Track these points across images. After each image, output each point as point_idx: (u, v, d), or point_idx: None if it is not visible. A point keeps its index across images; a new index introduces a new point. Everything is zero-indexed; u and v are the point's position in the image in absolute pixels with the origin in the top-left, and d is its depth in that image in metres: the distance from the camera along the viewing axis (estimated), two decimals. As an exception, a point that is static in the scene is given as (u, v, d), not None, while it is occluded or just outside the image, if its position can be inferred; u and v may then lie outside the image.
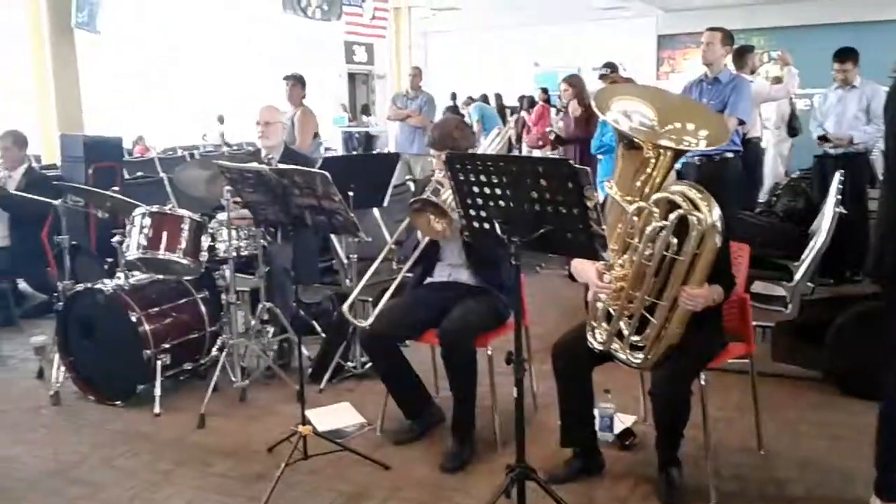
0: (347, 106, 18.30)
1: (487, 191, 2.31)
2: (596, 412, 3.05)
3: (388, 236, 5.32)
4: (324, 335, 4.36)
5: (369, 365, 4.07)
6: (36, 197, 4.51)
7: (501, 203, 2.30)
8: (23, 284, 5.84)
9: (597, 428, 3.05)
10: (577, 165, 2.10)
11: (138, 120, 13.29)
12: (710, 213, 2.43)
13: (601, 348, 2.71)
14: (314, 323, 4.52)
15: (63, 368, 4.01)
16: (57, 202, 4.23)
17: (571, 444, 2.96)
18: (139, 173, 8.04)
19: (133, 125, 12.34)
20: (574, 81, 6.83)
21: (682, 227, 2.45)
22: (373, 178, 4.05)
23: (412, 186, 5.93)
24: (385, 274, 3.71)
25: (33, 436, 3.57)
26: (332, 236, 5.06)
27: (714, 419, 3.07)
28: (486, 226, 2.38)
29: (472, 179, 2.32)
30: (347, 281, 5.10)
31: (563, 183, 2.13)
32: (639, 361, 2.64)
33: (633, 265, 2.52)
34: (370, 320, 3.20)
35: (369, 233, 3.60)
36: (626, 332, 2.64)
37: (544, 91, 12.62)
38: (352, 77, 19.51)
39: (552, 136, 7.07)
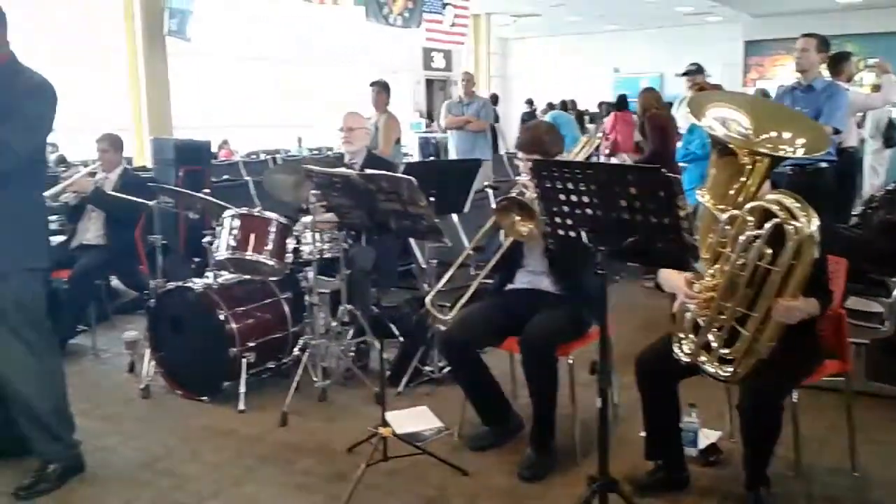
0: (424, 111, 18.45)
1: (574, 198, 2.29)
2: (680, 427, 2.98)
3: (467, 242, 5.36)
4: (402, 339, 4.40)
5: (447, 370, 4.08)
6: (131, 198, 4.71)
7: (588, 211, 2.27)
8: (115, 281, 6.09)
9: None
10: (669, 174, 2.06)
11: (223, 124, 13.72)
12: (809, 223, 2.34)
13: (688, 360, 2.65)
14: (392, 326, 4.56)
15: (153, 363, 4.17)
16: (151, 203, 4.40)
17: (656, 457, 2.91)
18: (225, 176, 8.30)
19: (218, 129, 12.73)
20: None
21: (777, 237, 2.37)
22: (454, 184, 4.07)
23: (491, 193, 5.95)
24: (462, 280, 3.72)
25: (125, 427, 3.72)
26: (412, 241, 5.13)
27: (806, 438, 2.96)
28: (572, 234, 2.36)
29: (559, 186, 2.30)
30: (426, 285, 5.16)
31: (654, 191, 2.10)
32: (727, 375, 2.56)
33: (724, 275, 2.46)
34: (451, 314, 3.22)
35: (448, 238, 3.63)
36: (714, 345, 2.57)
37: (621, 98, 12.40)
38: (429, 83, 19.68)
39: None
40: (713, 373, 2.61)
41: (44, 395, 3.11)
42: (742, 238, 2.41)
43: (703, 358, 2.62)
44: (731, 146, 2.43)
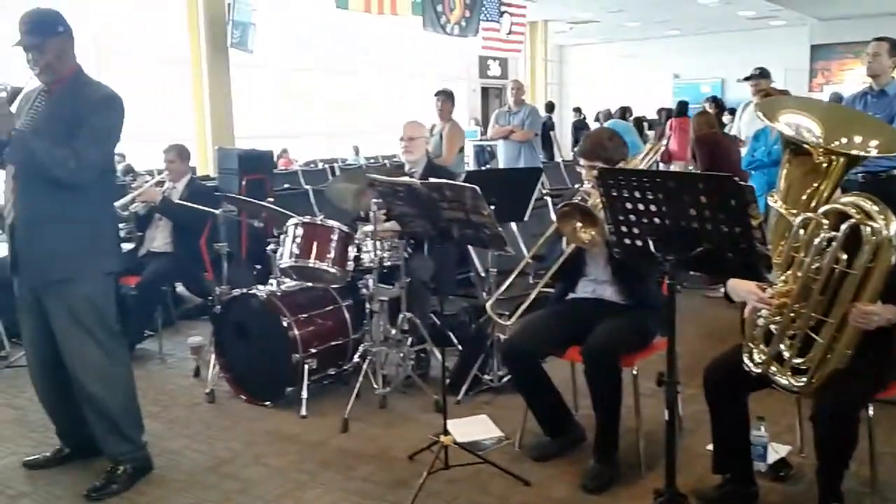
0: (480, 120, 18.50)
1: (641, 207, 2.26)
2: (749, 440, 2.91)
3: (525, 250, 5.33)
4: (460, 347, 4.40)
5: (507, 378, 4.07)
6: (198, 206, 4.82)
7: (656, 220, 2.24)
8: (180, 288, 6.24)
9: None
10: (741, 182, 2.02)
11: (282, 133, 13.98)
12: (887, 226, 2.27)
13: (758, 371, 2.58)
14: (451, 335, 4.57)
15: (218, 368, 4.25)
16: (217, 212, 4.50)
17: (724, 471, 2.84)
18: (286, 185, 8.43)
19: (277, 139, 12.97)
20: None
21: (853, 240, 2.30)
22: (515, 193, 4.05)
23: (550, 201, 5.91)
24: (521, 288, 3.71)
25: (191, 431, 3.80)
26: (471, 249, 5.13)
27: (881, 454, 2.86)
28: (639, 243, 2.33)
29: (626, 195, 2.27)
30: (484, 293, 5.15)
31: (725, 200, 2.05)
32: (801, 385, 2.49)
33: (797, 281, 2.39)
34: (512, 320, 3.20)
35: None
36: (787, 355, 2.50)
37: (681, 105, 12.21)
38: (485, 91, 19.71)
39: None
40: (785, 384, 2.54)
41: (114, 397, 3.20)
42: (816, 240, 2.34)
43: (774, 369, 2.55)
44: (805, 146, 2.37)
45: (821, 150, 2.36)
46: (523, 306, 3.24)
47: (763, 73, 6.61)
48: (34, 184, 3.00)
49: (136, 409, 3.32)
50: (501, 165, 7.89)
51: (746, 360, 2.61)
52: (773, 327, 2.51)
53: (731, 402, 2.73)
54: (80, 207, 3.03)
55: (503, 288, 3.40)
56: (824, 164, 2.37)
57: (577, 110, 15.15)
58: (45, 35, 2.97)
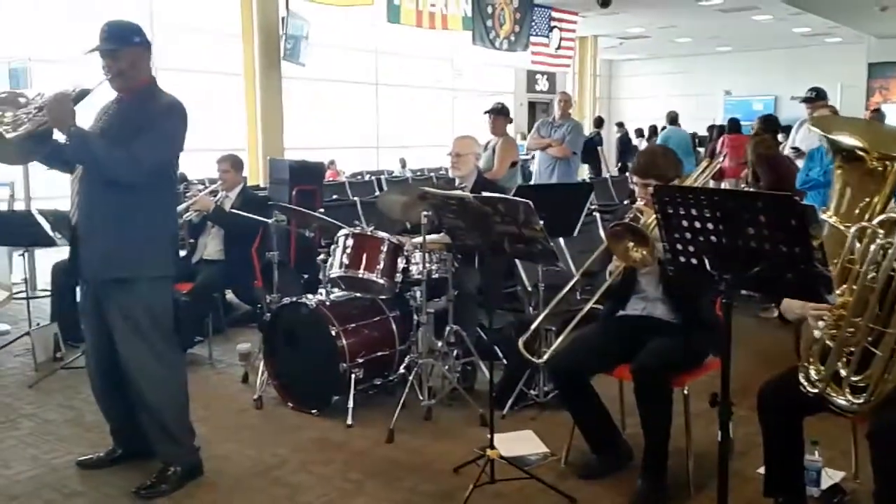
0: (526, 134, 18.49)
1: (698, 225, 2.23)
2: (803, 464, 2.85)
3: (573, 266, 5.31)
4: (506, 361, 4.39)
5: (553, 394, 4.05)
6: (251, 215, 4.91)
7: (713, 238, 2.21)
8: (229, 295, 6.35)
9: (802, 481, 2.85)
10: (802, 202, 1.99)
11: (329, 144, 14.16)
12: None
13: (815, 391, 2.52)
14: (497, 349, 4.56)
15: (266, 375, 4.31)
16: (270, 221, 4.58)
17: (775, 494, 2.78)
18: (334, 196, 8.53)
19: (325, 150, 13.15)
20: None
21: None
22: (564, 208, 4.05)
23: (598, 217, 5.88)
24: (568, 304, 3.69)
25: (240, 436, 3.85)
26: (518, 263, 5.12)
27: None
28: (694, 261, 2.31)
29: (682, 212, 2.25)
30: (530, 308, 5.14)
31: (785, 219, 2.02)
32: (859, 403, 2.42)
33: (854, 293, 2.34)
34: (545, 357, 3.20)
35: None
36: (844, 373, 2.44)
37: (733, 122, 12.04)
38: (532, 105, 19.71)
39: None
40: (843, 405, 2.47)
41: (168, 402, 3.27)
42: (872, 248, 2.29)
43: (831, 389, 2.49)
44: (858, 151, 2.33)
45: (875, 154, 2.32)
46: (564, 333, 3.21)
47: (819, 95, 6.49)
48: (94, 185, 3.12)
49: (187, 415, 3.38)
50: (534, 177, 7.66)
51: (803, 380, 2.55)
52: (829, 343, 2.46)
53: (786, 425, 2.67)
54: (137, 210, 3.12)
55: (544, 314, 3.39)
56: (878, 169, 2.33)
57: (620, 125, 15.01)
58: (121, 43, 3.09)
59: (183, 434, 3.34)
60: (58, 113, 2.93)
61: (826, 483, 3.06)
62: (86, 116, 3.18)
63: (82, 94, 3.04)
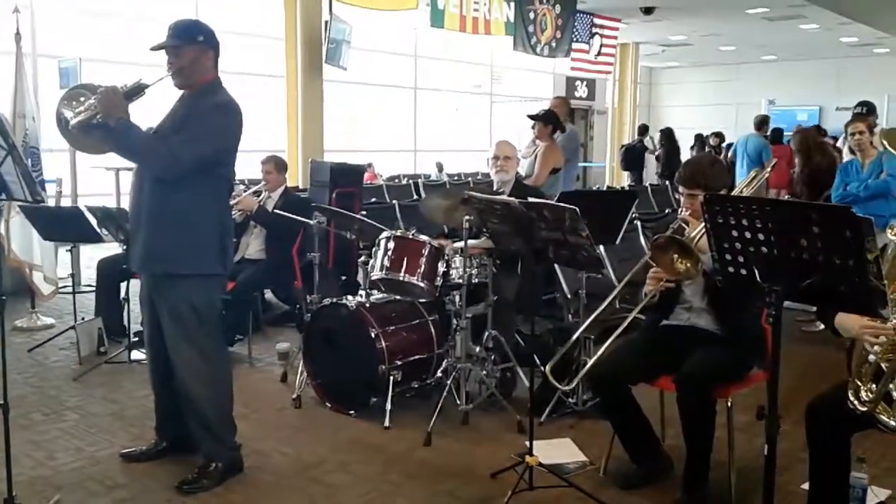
0: (566, 141, 18.38)
1: (748, 235, 2.20)
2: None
3: (613, 274, 5.28)
4: (543, 368, 4.37)
5: (591, 403, 4.03)
6: (293, 216, 4.96)
7: (764, 249, 2.18)
8: (268, 294, 6.42)
9: (848, 499, 2.79)
10: (859, 214, 1.96)
11: (367, 147, 14.24)
12: None
13: (863, 410, 2.48)
14: (535, 356, 4.54)
15: (305, 375, 4.35)
16: (312, 222, 4.63)
17: (820, 511, 2.73)
18: (373, 199, 8.58)
19: (362, 153, 13.23)
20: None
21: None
22: (608, 215, 4.02)
23: (639, 225, 5.84)
24: (607, 313, 3.66)
25: (279, 434, 3.89)
26: (558, 270, 5.10)
27: None
28: (744, 271, 2.28)
29: (732, 223, 2.22)
30: (569, 316, 5.11)
31: (839, 232, 1.99)
32: (912, 423, 2.37)
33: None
34: (572, 385, 3.18)
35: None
36: (896, 395, 2.40)
37: (776, 132, 11.86)
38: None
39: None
40: (894, 426, 2.43)
41: (212, 399, 3.32)
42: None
43: (881, 409, 2.44)
44: None
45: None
46: (611, 338, 3.19)
47: (870, 110, 6.37)
48: (146, 181, 3.19)
49: (230, 412, 3.43)
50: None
51: (852, 398, 2.50)
52: (883, 365, 2.41)
53: (833, 441, 2.62)
54: (187, 207, 3.17)
55: (582, 329, 3.39)
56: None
57: (643, 129, 14.67)
58: (184, 40, 3.17)
59: (225, 430, 3.39)
60: (107, 104, 3.02)
61: (872, 501, 3.00)
62: (158, 113, 3.28)
63: (137, 88, 3.11)
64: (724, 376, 3.01)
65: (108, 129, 3.06)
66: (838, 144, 7.12)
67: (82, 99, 3.08)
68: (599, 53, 13.85)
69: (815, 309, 5.61)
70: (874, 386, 2.45)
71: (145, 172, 3.21)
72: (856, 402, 2.49)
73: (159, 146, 3.08)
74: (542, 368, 3.95)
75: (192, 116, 3.14)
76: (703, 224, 2.43)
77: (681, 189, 3.22)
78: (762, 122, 9.72)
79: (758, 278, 2.21)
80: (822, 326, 5.69)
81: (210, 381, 3.31)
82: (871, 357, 2.45)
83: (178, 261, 3.19)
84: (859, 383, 2.49)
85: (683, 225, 3.07)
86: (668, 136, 13.32)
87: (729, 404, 3.06)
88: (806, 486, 2.82)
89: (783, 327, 2.20)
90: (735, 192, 3.01)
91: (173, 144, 3.07)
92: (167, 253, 3.18)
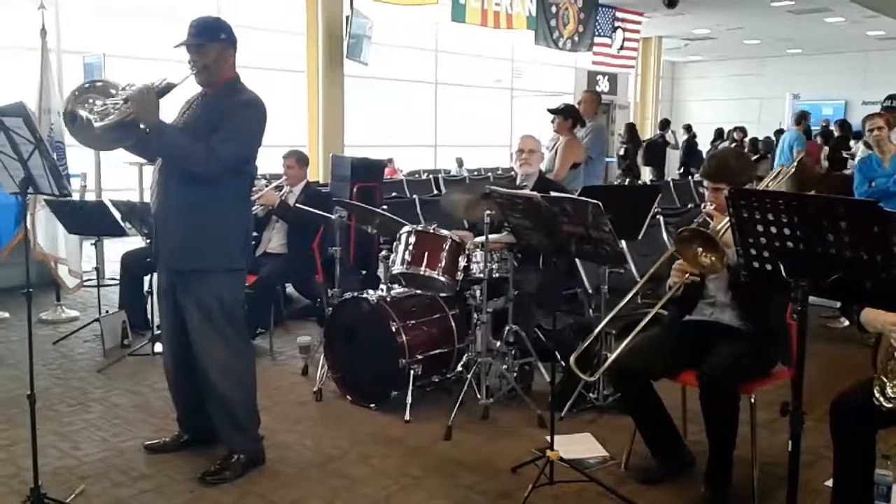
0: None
1: (774, 230, 2.18)
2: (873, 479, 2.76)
3: (635, 269, 5.24)
4: (563, 363, 4.36)
5: (612, 398, 4.01)
6: (314, 210, 4.98)
7: (790, 244, 2.16)
8: (289, 288, 6.45)
9: (873, 497, 2.76)
10: (887, 209, 1.93)
11: (387, 142, 14.25)
12: None
13: (889, 406, 2.45)
14: (555, 351, 4.53)
15: (326, 368, 4.37)
16: (333, 217, 4.64)
17: (844, 508, 2.70)
18: (394, 193, 8.59)
19: (382, 148, 13.23)
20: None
21: None
22: (629, 210, 3.99)
23: (662, 220, 5.79)
24: (629, 308, 3.64)
25: (300, 427, 3.91)
26: (579, 265, 5.08)
27: None
28: (769, 267, 2.25)
29: (758, 217, 2.20)
30: (590, 311, 5.09)
31: (867, 226, 1.96)
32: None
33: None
34: (596, 375, 3.17)
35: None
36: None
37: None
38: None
39: None
40: (920, 424, 2.40)
41: (237, 392, 3.34)
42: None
43: (908, 406, 2.41)
44: None
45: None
46: (633, 332, 3.17)
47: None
48: (172, 177, 3.20)
49: (254, 405, 3.45)
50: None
51: (878, 395, 2.48)
52: (911, 362, 2.38)
53: (858, 438, 2.60)
54: (213, 203, 3.19)
55: (601, 326, 3.38)
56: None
57: (664, 124, 14.51)
58: (207, 38, 3.18)
59: (249, 424, 3.41)
60: (142, 105, 3.01)
61: (897, 499, 2.96)
62: (171, 109, 3.28)
63: (167, 88, 3.13)
64: (747, 372, 2.99)
65: (130, 128, 3.06)
66: (852, 145, 7.02)
67: (91, 100, 3.03)
68: (622, 48, 13.75)
69: (839, 305, 5.61)
70: (901, 383, 2.42)
71: (171, 169, 3.21)
72: (881, 399, 2.47)
73: (200, 147, 3.08)
74: (563, 363, 3.96)
75: (227, 115, 3.15)
76: (727, 218, 2.41)
77: (705, 183, 3.20)
78: (801, 117, 9.69)
79: (783, 273, 2.19)
80: (846, 323, 5.65)
81: (235, 374, 3.34)
82: (896, 355, 2.42)
83: (206, 256, 3.22)
84: (885, 380, 2.47)
85: (708, 219, 3.04)
86: (718, 133, 13.30)
87: (752, 400, 3.03)
88: (830, 482, 2.80)
89: (807, 323, 2.17)
90: (761, 187, 2.97)
91: (213, 145, 3.08)
92: (196, 249, 3.20)
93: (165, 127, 3.09)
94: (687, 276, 3.02)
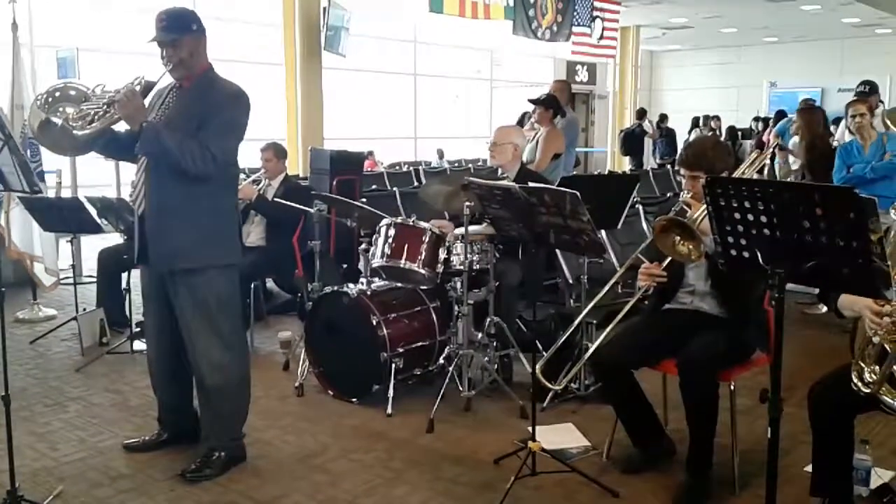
0: (566, 125, 18.28)
1: (751, 217, 2.18)
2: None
3: (615, 259, 5.26)
4: (544, 354, 4.36)
5: (594, 388, 4.02)
6: (293, 204, 4.94)
7: (766, 231, 2.16)
8: (270, 283, 6.41)
9: (851, 481, 2.79)
10: (863, 195, 1.93)
11: (367, 135, 14.20)
12: None
13: (867, 391, 2.46)
14: (537, 342, 4.53)
15: (308, 363, 4.34)
16: (312, 210, 4.60)
17: (823, 494, 2.72)
18: (374, 186, 8.56)
19: (362, 140, 13.18)
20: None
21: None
22: (609, 199, 3.99)
23: (641, 209, 5.81)
24: (610, 298, 3.64)
25: (281, 423, 3.89)
26: (560, 255, 5.08)
27: None
28: (746, 254, 2.26)
29: (735, 205, 2.20)
30: (571, 301, 5.10)
31: (843, 213, 1.97)
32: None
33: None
34: (562, 385, 3.31)
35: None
36: (900, 376, 2.38)
37: (780, 114, 11.79)
38: (572, 96, 19.49)
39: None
40: (897, 406, 2.42)
41: (229, 389, 3.31)
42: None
43: (885, 391, 2.43)
44: None
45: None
46: (612, 324, 3.17)
47: (872, 89, 6.32)
48: (163, 176, 3.12)
49: (246, 404, 3.43)
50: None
51: (855, 380, 2.49)
52: (887, 347, 2.39)
53: (837, 424, 2.62)
54: (205, 200, 3.15)
55: (581, 317, 3.39)
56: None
57: (641, 113, 14.52)
58: (181, 32, 3.10)
59: (237, 423, 3.39)
60: (130, 109, 2.96)
61: (875, 483, 2.99)
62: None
63: (148, 87, 3.08)
64: (726, 359, 3.00)
65: (106, 132, 3.03)
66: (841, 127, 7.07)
67: (62, 108, 2.98)
68: (602, 37, 13.75)
69: (816, 291, 5.66)
70: (878, 368, 2.44)
71: (159, 168, 3.12)
72: (859, 384, 2.48)
73: (191, 144, 3.02)
74: (536, 370, 3.97)
75: (212, 109, 3.09)
76: (704, 206, 2.41)
77: (682, 171, 3.20)
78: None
79: (760, 261, 2.19)
80: (824, 309, 5.69)
81: (230, 373, 3.30)
82: (875, 339, 2.43)
83: (206, 254, 3.18)
84: (863, 365, 2.48)
85: (685, 207, 3.04)
86: (695, 122, 13.37)
87: (732, 387, 3.05)
88: (809, 468, 2.82)
89: (785, 310, 2.18)
90: (737, 174, 2.98)
91: (205, 140, 3.03)
92: (191, 247, 3.15)
93: (156, 127, 3.03)
94: (654, 277, 3.04)
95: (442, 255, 4.12)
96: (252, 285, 5.23)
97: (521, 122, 8.44)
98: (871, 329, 2.43)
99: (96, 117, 2.96)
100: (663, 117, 14.77)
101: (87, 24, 10.82)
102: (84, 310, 5.43)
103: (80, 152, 3.36)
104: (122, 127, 3.11)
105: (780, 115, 9.98)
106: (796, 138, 6.78)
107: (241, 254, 3.39)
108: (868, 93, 6.33)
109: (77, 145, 3.06)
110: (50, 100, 3.01)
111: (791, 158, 7.34)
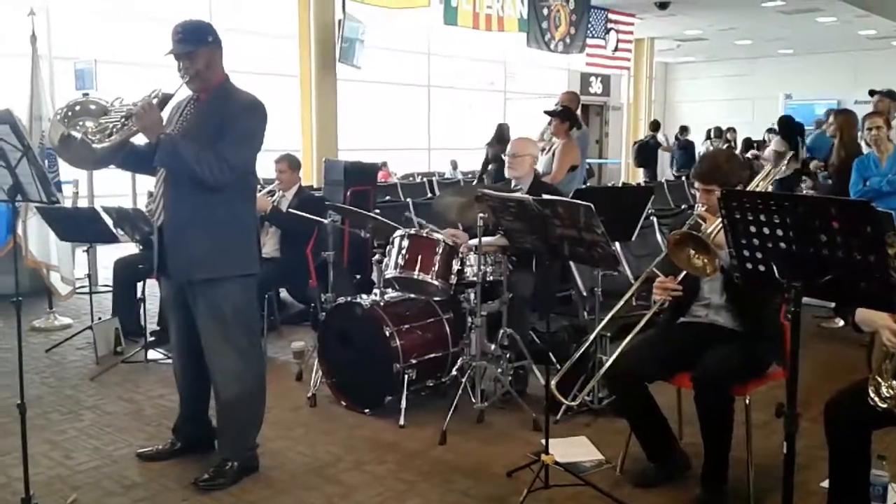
0: (580, 137, 18.25)
1: (766, 231, 2.17)
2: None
3: (629, 271, 5.24)
4: (559, 366, 4.34)
5: (608, 401, 4.00)
6: (307, 215, 4.96)
7: (782, 245, 2.15)
8: (284, 293, 6.43)
9: (869, 497, 2.76)
10: (879, 209, 1.92)
11: (381, 146, 14.24)
12: None
13: (885, 406, 2.44)
14: (550, 354, 4.52)
15: (321, 373, 4.35)
16: (326, 221, 4.62)
17: (841, 510, 2.69)
18: (387, 197, 8.58)
19: (375, 151, 13.21)
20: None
21: None
22: (623, 212, 3.99)
23: (655, 221, 5.79)
24: (623, 310, 3.63)
25: (294, 433, 3.89)
26: (573, 267, 5.07)
27: None
28: (762, 268, 2.24)
29: (750, 218, 2.19)
30: (584, 313, 5.08)
31: (859, 227, 1.95)
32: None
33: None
34: (577, 401, 3.36)
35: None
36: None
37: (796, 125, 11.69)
38: (585, 108, 19.49)
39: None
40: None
41: (244, 400, 3.33)
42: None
43: (904, 407, 2.40)
44: None
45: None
46: (628, 338, 3.16)
47: (891, 94, 6.28)
48: (182, 187, 3.14)
49: (260, 414, 3.44)
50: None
51: (873, 395, 2.47)
52: (905, 363, 2.37)
53: (853, 439, 2.59)
54: (223, 210, 3.17)
55: (597, 331, 3.37)
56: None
57: (655, 125, 14.48)
58: (197, 44, 3.13)
59: (251, 432, 3.40)
60: (148, 122, 2.99)
61: (892, 499, 2.94)
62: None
63: (165, 99, 3.10)
64: (742, 374, 2.98)
65: (125, 145, 3.06)
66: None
67: (81, 122, 3.01)
68: (616, 49, 13.75)
69: (833, 305, 5.62)
70: (895, 383, 2.42)
71: (179, 180, 3.14)
72: (876, 399, 2.46)
73: (208, 155, 3.04)
74: (551, 385, 3.96)
75: (229, 119, 3.12)
76: (719, 220, 2.40)
77: (696, 184, 3.19)
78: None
79: (776, 274, 2.18)
80: (840, 323, 5.65)
81: (246, 384, 3.32)
82: (893, 353, 2.41)
83: (225, 264, 3.20)
84: (880, 380, 2.46)
85: (700, 221, 3.03)
86: (716, 132, 13.37)
87: (747, 402, 3.03)
88: (826, 483, 2.78)
89: (801, 324, 2.16)
90: (751, 187, 2.97)
91: (222, 151, 3.05)
92: (215, 258, 3.17)
93: (174, 139, 3.06)
94: (669, 292, 3.03)
95: (455, 266, 4.12)
96: (266, 295, 5.25)
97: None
98: (889, 345, 2.40)
99: (115, 130, 2.99)
100: (683, 129, 14.74)
101: (106, 36, 10.93)
102: (99, 319, 5.47)
103: (99, 166, 3.39)
104: (141, 140, 3.14)
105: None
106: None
107: (259, 264, 3.39)
108: (886, 93, 6.28)
109: (96, 158, 3.10)
110: (70, 114, 3.05)
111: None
